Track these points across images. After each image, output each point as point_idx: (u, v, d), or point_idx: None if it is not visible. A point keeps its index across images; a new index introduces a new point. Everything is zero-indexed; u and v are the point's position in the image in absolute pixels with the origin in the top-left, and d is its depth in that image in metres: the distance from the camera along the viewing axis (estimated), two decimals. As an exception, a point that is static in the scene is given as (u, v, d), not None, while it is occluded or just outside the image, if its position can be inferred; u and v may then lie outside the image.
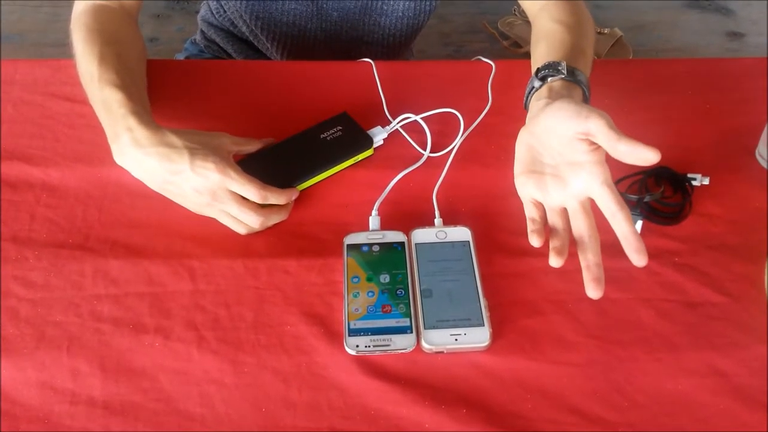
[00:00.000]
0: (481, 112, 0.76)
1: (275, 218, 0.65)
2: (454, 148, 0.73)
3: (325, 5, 0.85)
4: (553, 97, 0.60)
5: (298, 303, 0.60)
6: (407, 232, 0.64)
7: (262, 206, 0.63)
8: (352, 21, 0.87)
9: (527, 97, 0.66)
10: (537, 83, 0.64)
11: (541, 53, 0.70)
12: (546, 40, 0.71)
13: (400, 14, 0.87)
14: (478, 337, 0.57)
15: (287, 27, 0.86)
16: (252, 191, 0.61)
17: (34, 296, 0.60)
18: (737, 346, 0.58)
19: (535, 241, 0.58)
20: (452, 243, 0.63)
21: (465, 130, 0.74)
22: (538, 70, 0.64)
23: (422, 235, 0.64)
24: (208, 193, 0.61)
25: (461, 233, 0.64)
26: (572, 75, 0.63)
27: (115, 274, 0.61)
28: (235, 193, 0.62)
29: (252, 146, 0.68)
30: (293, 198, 0.66)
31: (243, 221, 0.63)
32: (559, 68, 0.63)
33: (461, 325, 0.58)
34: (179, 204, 0.63)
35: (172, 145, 0.60)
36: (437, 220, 0.66)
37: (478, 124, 0.75)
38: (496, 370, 0.57)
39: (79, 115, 0.73)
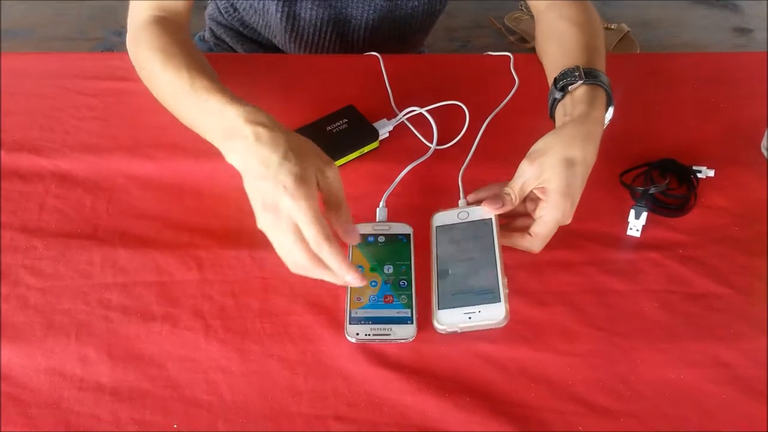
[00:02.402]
0: (488, 104, 0.76)
1: (320, 273, 0.55)
2: (475, 140, 0.72)
3: (343, 12, 0.84)
4: (576, 106, 0.62)
5: (304, 293, 0.61)
6: (412, 223, 0.64)
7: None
8: (371, 29, 0.86)
9: (551, 109, 0.66)
10: (558, 94, 0.65)
11: (554, 54, 0.70)
12: (558, 41, 0.71)
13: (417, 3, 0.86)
14: (492, 313, 0.55)
15: (304, 27, 0.86)
16: (312, 231, 0.53)
17: (43, 285, 0.60)
18: (740, 337, 0.59)
19: (494, 206, 0.60)
20: (474, 222, 0.61)
21: (474, 121, 0.74)
22: (556, 79, 0.65)
23: (444, 218, 0.63)
24: (269, 207, 0.54)
25: (484, 212, 0.61)
26: (592, 77, 0.64)
27: (123, 263, 0.62)
28: (296, 225, 0.54)
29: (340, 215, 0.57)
30: (349, 281, 0.55)
31: (288, 256, 0.55)
32: (576, 74, 0.64)
33: (476, 303, 0.56)
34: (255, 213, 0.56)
35: (276, 151, 0.54)
36: (461, 201, 0.65)
37: (487, 118, 0.75)
38: (499, 359, 0.57)
39: (88, 108, 0.74)
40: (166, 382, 0.55)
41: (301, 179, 0.53)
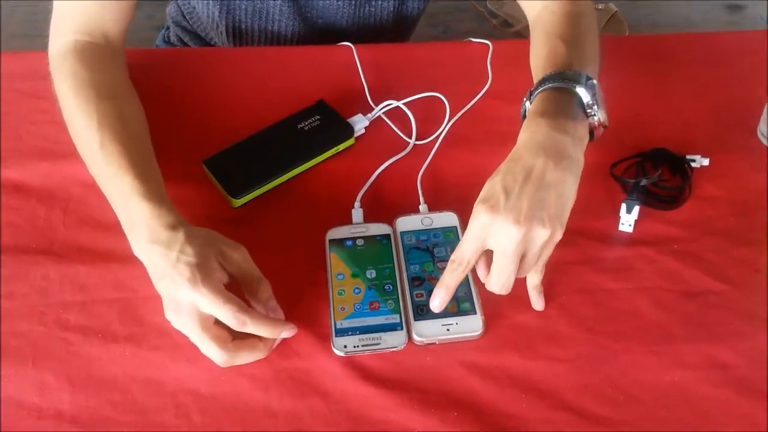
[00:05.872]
0: (469, 96, 0.72)
1: (246, 357, 0.52)
2: (441, 133, 0.69)
3: (310, 22, 0.81)
4: (533, 118, 0.56)
5: (279, 304, 0.57)
6: (392, 223, 0.61)
7: (237, 336, 0.52)
8: (338, 35, 0.82)
9: None
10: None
11: (533, 65, 0.65)
12: (536, 58, 0.65)
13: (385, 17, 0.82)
14: (470, 325, 0.55)
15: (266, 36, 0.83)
16: (225, 313, 0.50)
17: (-4, 305, 0.57)
18: (738, 336, 0.56)
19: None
20: (439, 229, 0.60)
21: (455, 113, 0.70)
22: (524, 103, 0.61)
23: (407, 223, 0.61)
24: (172, 304, 0.52)
25: (448, 219, 0.61)
26: (560, 79, 0.57)
27: (82, 279, 0.58)
28: (203, 316, 0.51)
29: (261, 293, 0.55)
30: (284, 336, 0.53)
31: (204, 353, 0.52)
32: (527, 98, 0.59)
33: (453, 315, 0.55)
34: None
35: (172, 248, 0.52)
36: (422, 207, 0.63)
37: (466, 108, 0.71)
38: (487, 368, 0.54)
39: (42, 111, 0.69)
40: (131, 408, 0.52)
41: (198, 267, 0.51)
